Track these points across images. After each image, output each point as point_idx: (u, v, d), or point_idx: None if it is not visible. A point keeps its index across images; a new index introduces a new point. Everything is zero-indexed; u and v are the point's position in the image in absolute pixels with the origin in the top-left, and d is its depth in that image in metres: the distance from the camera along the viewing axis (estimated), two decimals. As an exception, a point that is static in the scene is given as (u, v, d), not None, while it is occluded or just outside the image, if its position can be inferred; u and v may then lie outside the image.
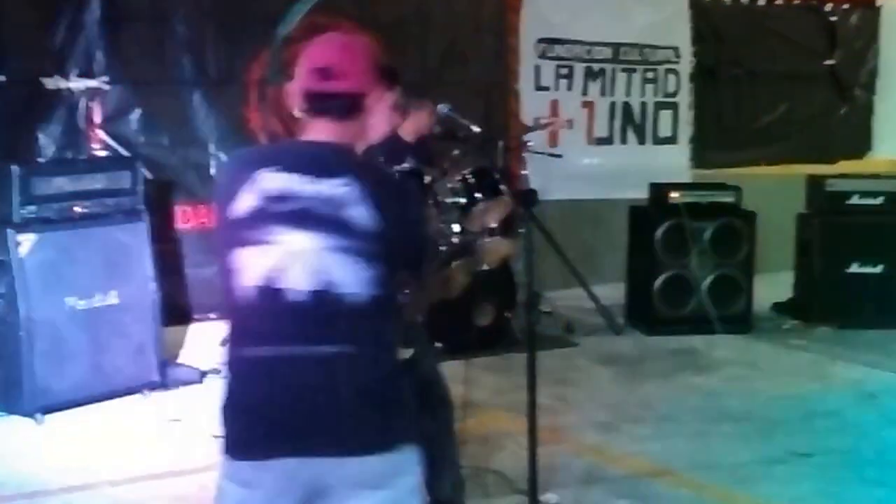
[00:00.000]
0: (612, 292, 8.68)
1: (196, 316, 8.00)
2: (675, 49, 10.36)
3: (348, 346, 2.65)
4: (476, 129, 5.10)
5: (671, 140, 10.43)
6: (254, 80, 8.30)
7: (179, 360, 7.21)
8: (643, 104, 10.30)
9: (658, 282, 8.34)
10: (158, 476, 5.37)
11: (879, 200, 8.85)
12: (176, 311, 7.54)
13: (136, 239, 6.50)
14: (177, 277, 7.83)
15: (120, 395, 6.35)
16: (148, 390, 6.43)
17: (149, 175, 7.20)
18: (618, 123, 10.19)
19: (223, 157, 8.16)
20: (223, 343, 6.41)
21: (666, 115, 10.41)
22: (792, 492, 5.32)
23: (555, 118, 9.62)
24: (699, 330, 8.25)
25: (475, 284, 5.48)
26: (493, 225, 5.50)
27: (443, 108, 5.50)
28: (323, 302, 2.62)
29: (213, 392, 6.57)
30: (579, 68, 9.90)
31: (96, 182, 6.39)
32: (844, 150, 11.34)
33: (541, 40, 9.67)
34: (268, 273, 2.63)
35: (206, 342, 7.55)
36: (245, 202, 2.66)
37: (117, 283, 6.39)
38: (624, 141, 10.24)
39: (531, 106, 9.59)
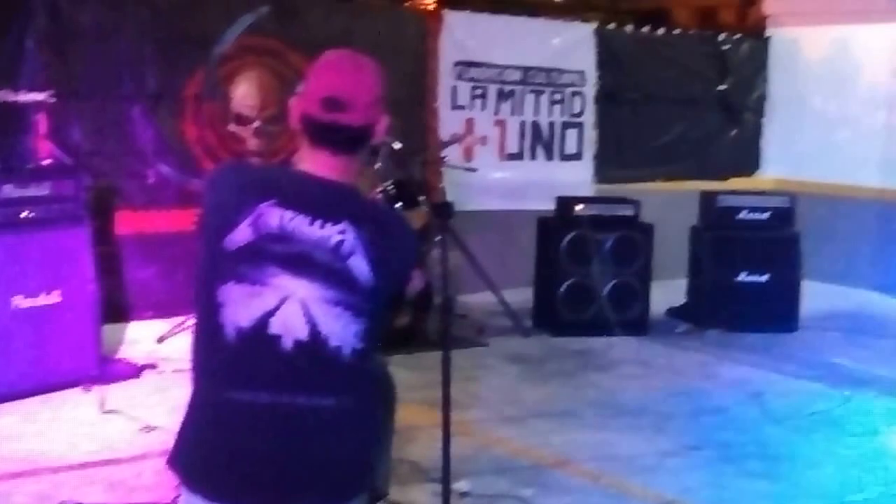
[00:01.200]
0: (521, 297, 8.80)
1: (133, 315, 7.97)
2: (581, 73, 10.43)
3: (337, 397, 2.48)
4: (397, 145, 5.18)
5: (576, 157, 10.48)
6: (190, 95, 8.24)
7: (117, 356, 7.16)
8: (551, 123, 10.34)
9: (562, 288, 8.39)
10: (96, 464, 5.33)
11: (766, 216, 8.98)
12: (114, 310, 7.50)
13: (78, 242, 6.47)
14: (116, 278, 7.78)
15: (61, 388, 6.30)
16: (87, 384, 6.36)
17: (91, 183, 7.15)
18: (527, 141, 10.23)
19: (161, 167, 8.13)
20: (160, 341, 6.45)
21: (572, 134, 10.47)
22: (682, 482, 5.39)
23: (468, 135, 9.71)
24: (600, 332, 8.30)
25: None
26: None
27: None
28: (314, 353, 2.43)
29: (149, 386, 6.61)
30: (492, 89, 9.94)
31: (41, 189, 6.34)
32: (734, 169, 11.46)
33: (457, 63, 9.70)
34: (261, 315, 2.41)
35: (142, 340, 7.56)
36: (242, 235, 2.43)
37: (60, 283, 6.37)
38: (533, 157, 10.28)
39: (448, 123, 9.60)
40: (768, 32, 11.91)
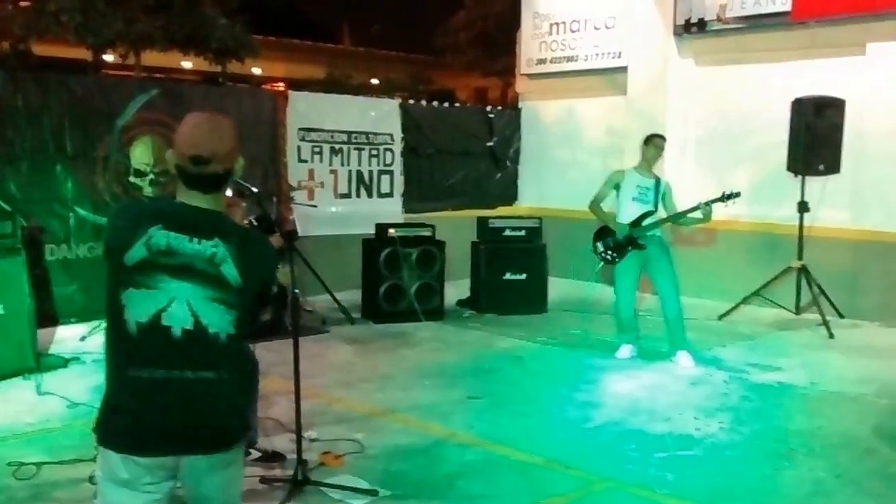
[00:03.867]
0: (352, 297, 8.80)
1: (61, 320, 7.71)
2: (391, 135, 10.47)
3: (216, 372, 2.47)
4: (255, 189, 5.11)
5: (389, 195, 10.49)
6: (101, 156, 8.02)
7: (50, 352, 6.89)
8: (370, 171, 10.32)
9: (382, 288, 8.41)
10: (34, 434, 5.11)
11: (522, 232, 9.21)
12: (46, 317, 7.26)
13: (16, 268, 6.29)
14: (46, 293, 7.53)
15: (7, 377, 6.12)
16: (27, 373, 6.17)
17: (24, 223, 6.86)
18: (353, 184, 10.19)
19: (80, 210, 7.90)
20: (82, 339, 6.14)
21: (385, 179, 10.49)
22: (467, 421, 5.49)
23: (310, 181, 9.67)
24: (409, 319, 8.34)
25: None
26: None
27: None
28: (197, 338, 2.44)
29: (74, 373, 6.33)
30: (326, 148, 9.88)
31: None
32: (500, 200, 11.68)
33: (300, 129, 9.64)
34: (155, 312, 2.42)
35: (68, 339, 7.28)
36: (138, 252, 2.41)
37: (2, 298, 6.19)
38: (358, 196, 10.24)
39: (295, 173, 9.54)
40: (520, 105, 12.24)
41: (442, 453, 4.94)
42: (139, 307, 2.42)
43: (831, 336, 8.03)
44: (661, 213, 7.12)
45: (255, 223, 5.58)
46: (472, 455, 4.93)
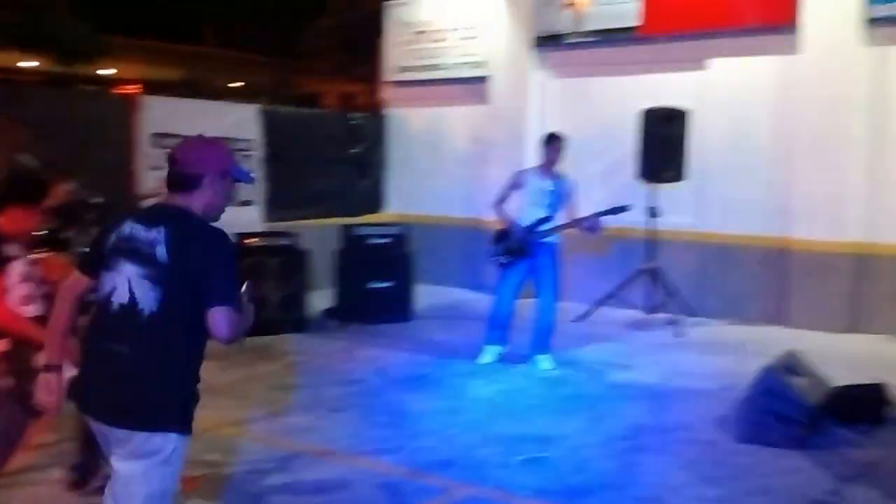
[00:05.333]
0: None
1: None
2: (251, 141, 10.28)
3: (136, 346, 2.74)
4: (100, 199, 4.95)
5: (250, 203, 10.27)
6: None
7: None
8: (231, 179, 10.15)
9: (243, 299, 8.27)
10: None
11: (388, 240, 9.14)
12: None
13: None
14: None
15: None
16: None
17: None
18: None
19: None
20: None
21: (246, 186, 10.31)
22: (331, 435, 5.44)
23: (163, 188, 9.35)
24: (271, 331, 8.08)
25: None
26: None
27: (73, 184, 5.35)
28: (129, 313, 2.75)
29: None
30: (184, 154, 9.65)
31: None
32: (366, 208, 11.65)
33: (154, 135, 9.30)
34: (110, 289, 2.81)
35: None
36: (110, 241, 2.86)
37: None
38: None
39: (147, 181, 9.16)
40: (386, 112, 12.25)
41: (302, 469, 4.90)
42: (106, 286, 2.85)
43: (681, 334, 8.45)
44: (561, 217, 7.17)
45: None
46: (334, 469, 4.91)
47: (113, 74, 25.05)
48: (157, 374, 2.75)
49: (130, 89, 9.79)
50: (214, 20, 28.56)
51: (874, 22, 8.48)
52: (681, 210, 9.25)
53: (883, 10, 8.41)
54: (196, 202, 2.91)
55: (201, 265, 2.76)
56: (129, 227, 2.84)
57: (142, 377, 2.73)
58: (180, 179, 2.92)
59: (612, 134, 9.92)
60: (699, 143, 9.06)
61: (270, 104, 11.53)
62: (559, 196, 7.14)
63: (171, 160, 2.93)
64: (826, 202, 8.73)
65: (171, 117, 9.49)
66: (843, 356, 7.33)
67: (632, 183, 9.07)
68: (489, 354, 7.31)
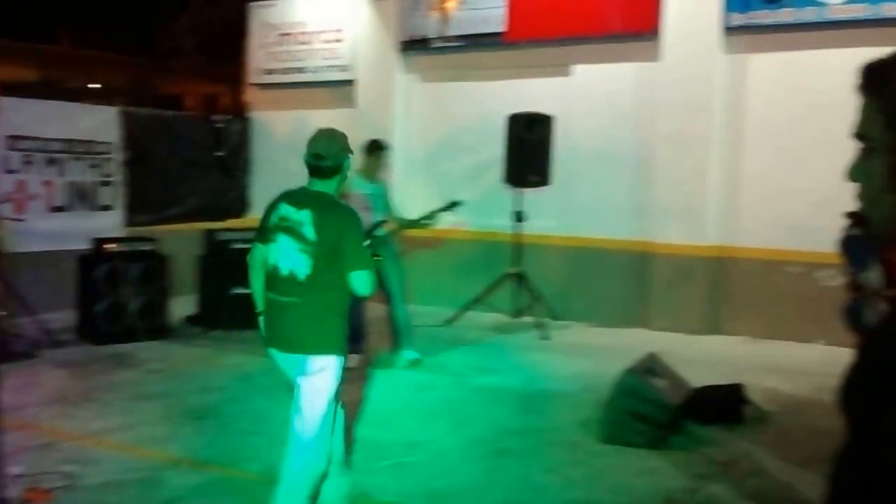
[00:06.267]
0: (67, 316, 8.28)
1: None
2: (110, 144, 9.93)
3: (302, 299, 3.71)
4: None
5: (109, 207, 9.97)
6: None
7: None
8: (91, 182, 9.80)
9: (100, 306, 7.97)
10: None
11: (252, 245, 9.08)
12: None
13: None
14: None
15: None
16: None
17: None
18: (71, 196, 9.56)
19: None
20: None
21: (106, 190, 9.91)
22: (191, 445, 5.32)
23: (20, 193, 8.92)
24: (132, 339, 7.96)
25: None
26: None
27: None
28: (292, 276, 3.71)
29: None
30: (40, 157, 9.20)
31: None
32: (230, 212, 11.45)
33: (9, 136, 8.90)
34: (277, 257, 3.76)
35: None
36: (272, 219, 3.82)
37: None
38: (75, 208, 9.67)
39: (3, 184, 8.78)
40: (251, 115, 12.08)
41: (161, 480, 4.77)
42: (272, 255, 3.81)
43: (546, 338, 8.66)
44: (391, 220, 7.29)
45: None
46: (194, 480, 4.80)
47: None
48: (324, 316, 3.74)
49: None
50: (71, 18, 27.30)
51: (731, 30, 8.91)
52: (546, 214, 9.47)
53: (740, 20, 8.85)
54: (331, 187, 3.84)
55: (340, 239, 3.68)
56: (284, 209, 3.76)
57: (313, 318, 3.71)
58: (323, 171, 3.80)
59: (478, 139, 10.08)
60: (564, 148, 9.31)
61: (130, 105, 11.11)
62: (385, 200, 7.35)
63: (314, 156, 3.78)
64: (685, 207, 9.11)
65: (28, 119, 9.14)
66: (703, 357, 7.66)
67: (498, 187, 9.24)
68: (354, 360, 7.29)
